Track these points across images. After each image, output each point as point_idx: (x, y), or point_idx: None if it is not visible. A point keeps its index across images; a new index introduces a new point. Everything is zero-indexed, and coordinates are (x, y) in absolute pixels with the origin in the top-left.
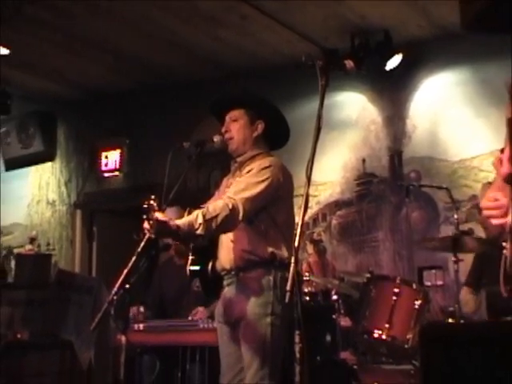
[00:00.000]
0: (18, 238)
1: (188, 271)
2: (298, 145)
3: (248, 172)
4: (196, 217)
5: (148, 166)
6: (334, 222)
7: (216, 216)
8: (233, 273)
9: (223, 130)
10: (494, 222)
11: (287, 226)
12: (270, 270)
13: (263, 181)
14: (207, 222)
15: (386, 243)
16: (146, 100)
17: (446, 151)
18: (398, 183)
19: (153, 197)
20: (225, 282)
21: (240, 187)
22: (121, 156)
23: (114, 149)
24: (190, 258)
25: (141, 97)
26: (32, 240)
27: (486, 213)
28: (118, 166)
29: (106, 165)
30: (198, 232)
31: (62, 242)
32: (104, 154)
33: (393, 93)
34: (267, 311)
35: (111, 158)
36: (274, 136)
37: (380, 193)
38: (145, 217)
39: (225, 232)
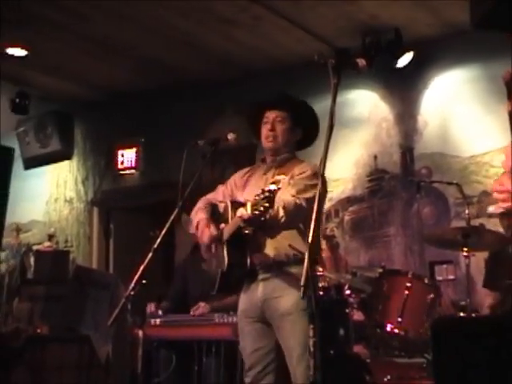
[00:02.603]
0: (37, 235)
1: (225, 263)
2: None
3: (301, 174)
4: (277, 210)
5: (163, 163)
6: (346, 217)
7: (292, 210)
8: (275, 267)
9: (267, 128)
10: (500, 204)
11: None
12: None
13: (315, 185)
14: (287, 214)
15: (397, 238)
16: (161, 99)
17: (456, 147)
18: (409, 179)
19: (273, 187)
20: (261, 276)
21: (300, 187)
22: (137, 154)
23: (130, 147)
24: (226, 250)
25: (156, 96)
26: (50, 237)
27: (494, 195)
28: (134, 164)
29: (122, 163)
30: (280, 224)
31: (80, 239)
32: (120, 153)
33: (404, 90)
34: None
35: (127, 157)
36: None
37: (391, 189)
38: (261, 198)
39: (292, 227)
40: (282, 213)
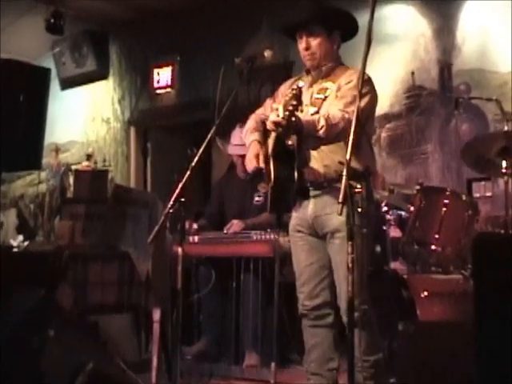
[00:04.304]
0: (75, 155)
1: (272, 177)
2: (347, 58)
3: (348, 83)
4: (318, 119)
5: (199, 82)
6: (383, 134)
7: (336, 124)
8: (325, 184)
9: (302, 47)
10: None
11: (371, 136)
12: (363, 182)
13: (366, 94)
14: (329, 126)
15: (435, 155)
16: (196, 17)
17: (495, 63)
18: (447, 95)
19: (302, 83)
20: (312, 193)
21: (348, 100)
22: (172, 73)
23: (166, 66)
24: (272, 164)
25: (192, 14)
26: (89, 157)
27: None
28: (169, 83)
29: (158, 82)
30: (319, 134)
31: (118, 159)
32: (156, 71)
33: (442, 4)
34: (363, 222)
35: (163, 75)
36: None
37: (429, 105)
38: (290, 98)
39: (336, 142)
40: (322, 122)
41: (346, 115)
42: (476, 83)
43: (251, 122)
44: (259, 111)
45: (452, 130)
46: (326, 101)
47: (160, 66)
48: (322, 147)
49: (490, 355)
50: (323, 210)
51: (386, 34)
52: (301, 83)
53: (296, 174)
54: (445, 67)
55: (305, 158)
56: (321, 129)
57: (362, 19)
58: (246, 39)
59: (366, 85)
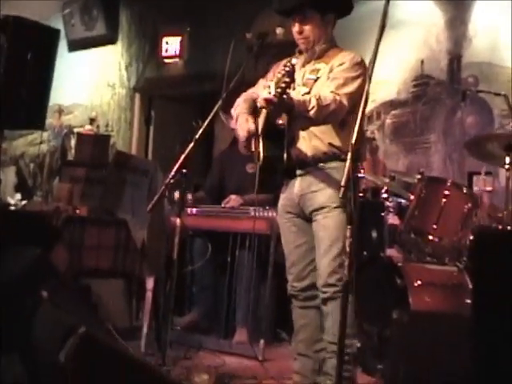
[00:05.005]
0: (78, 118)
1: (261, 156)
2: (356, 43)
3: (340, 65)
4: (309, 100)
5: (208, 54)
6: (387, 121)
7: (327, 105)
8: (311, 163)
9: (296, 30)
10: None
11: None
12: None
13: (358, 76)
14: (320, 108)
15: (437, 145)
16: None
17: (506, 58)
18: (455, 86)
19: (295, 61)
20: (298, 172)
21: (339, 82)
22: (181, 43)
23: (176, 35)
24: (261, 143)
25: None
26: (92, 121)
27: None
28: (178, 53)
29: (167, 50)
30: (310, 114)
31: (121, 125)
32: (165, 40)
33: None
34: (343, 202)
35: (172, 44)
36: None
37: (436, 95)
38: (282, 75)
39: (328, 123)
40: (313, 103)
41: (337, 97)
42: (484, 77)
43: (240, 99)
44: (250, 90)
45: (457, 121)
46: (318, 82)
47: (169, 35)
48: (311, 128)
49: (488, 348)
50: (309, 188)
51: (399, 20)
52: (294, 60)
53: (285, 154)
54: (454, 58)
55: (294, 138)
56: (311, 109)
57: (376, 3)
58: (256, 14)
59: (359, 67)
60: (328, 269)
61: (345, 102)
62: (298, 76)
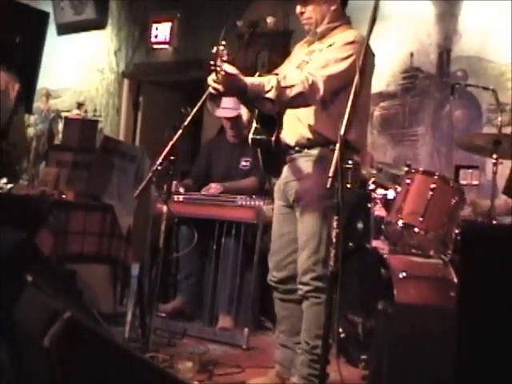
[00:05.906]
0: (66, 103)
1: (250, 140)
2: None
3: (330, 46)
4: (269, 79)
5: (198, 41)
6: (376, 113)
7: (291, 86)
8: (296, 149)
9: (298, 11)
10: None
11: (364, 110)
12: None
13: (346, 58)
14: (280, 88)
15: (425, 138)
16: None
17: (495, 53)
18: (443, 80)
19: (223, 42)
20: (287, 158)
21: (320, 63)
22: (171, 29)
23: (166, 21)
24: (254, 126)
25: None
26: (80, 105)
27: None
28: (167, 39)
29: (156, 36)
30: (268, 95)
31: (109, 110)
32: (155, 26)
33: None
34: (328, 193)
35: (162, 31)
36: None
37: (425, 88)
38: (212, 64)
39: (296, 107)
40: (273, 83)
41: (311, 78)
42: (473, 71)
43: None
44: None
45: (445, 115)
46: (309, 64)
47: (159, 22)
48: (296, 112)
49: (472, 341)
50: (292, 176)
51: (390, 12)
52: (223, 43)
53: (273, 138)
54: (444, 52)
55: (281, 123)
56: (270, 90)
57: None
58: (247, 2)
59: (350, 48)
60: (303, 265)
61: (319, 84)
62: (298, 56)
